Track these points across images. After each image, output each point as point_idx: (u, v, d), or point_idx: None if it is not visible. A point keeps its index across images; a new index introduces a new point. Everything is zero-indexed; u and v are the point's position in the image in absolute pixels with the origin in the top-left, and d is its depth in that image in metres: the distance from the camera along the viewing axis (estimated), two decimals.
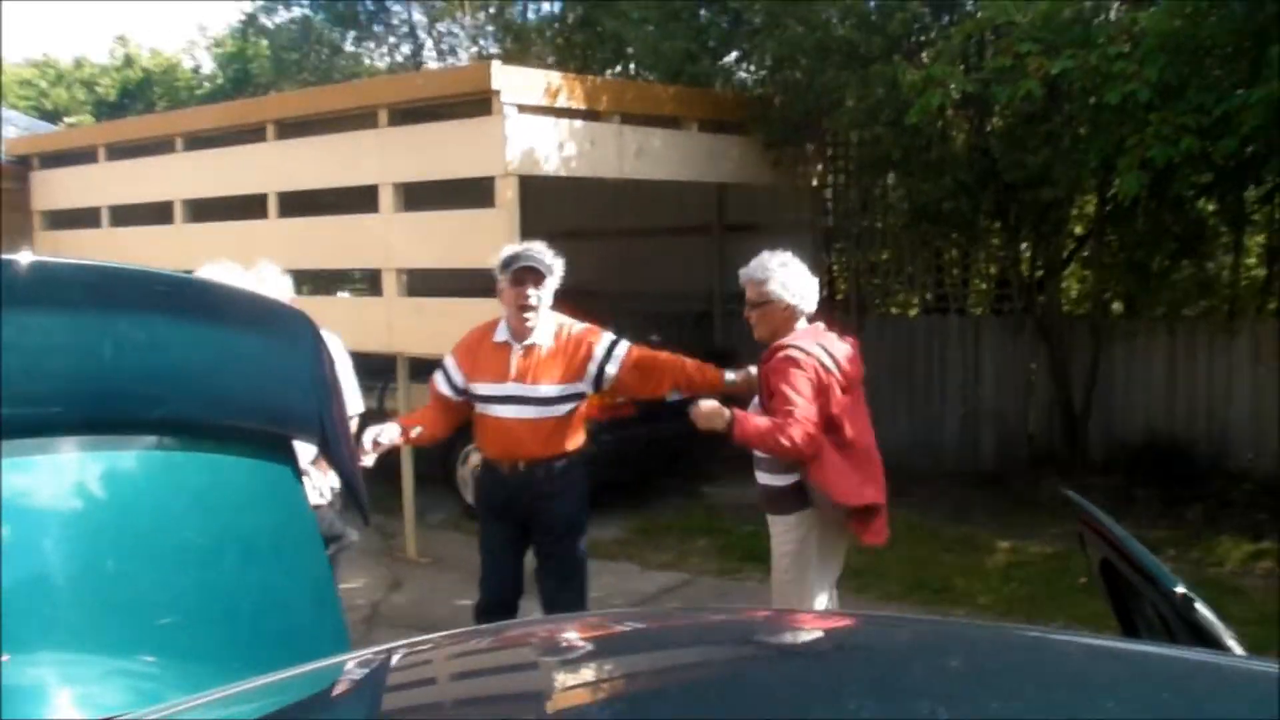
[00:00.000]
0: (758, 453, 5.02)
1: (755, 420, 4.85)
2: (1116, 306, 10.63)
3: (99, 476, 2.31)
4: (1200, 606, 1.98)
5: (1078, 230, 10.82)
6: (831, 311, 11.64)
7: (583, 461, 5.44)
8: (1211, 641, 1.94)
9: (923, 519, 9.40)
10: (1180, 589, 2.01)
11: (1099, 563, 2.51)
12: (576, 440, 5.41)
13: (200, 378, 2.43)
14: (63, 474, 2.26)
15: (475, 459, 9.84)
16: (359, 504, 3.14)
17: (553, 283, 5.21)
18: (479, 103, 8.03)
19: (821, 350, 4.91)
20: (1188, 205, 9.52)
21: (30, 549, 2.19)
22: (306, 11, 20.77)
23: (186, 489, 2.43)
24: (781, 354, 4.88)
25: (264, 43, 21.94)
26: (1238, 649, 1.91)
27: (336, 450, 2.74)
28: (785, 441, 4.73)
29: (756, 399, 5.13)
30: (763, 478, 5.09)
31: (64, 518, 2.26)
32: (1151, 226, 9.73)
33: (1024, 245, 10.32)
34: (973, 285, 11.71)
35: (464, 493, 9.92)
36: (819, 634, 1.84)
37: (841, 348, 5.01)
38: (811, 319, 5.12)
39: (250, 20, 21.86)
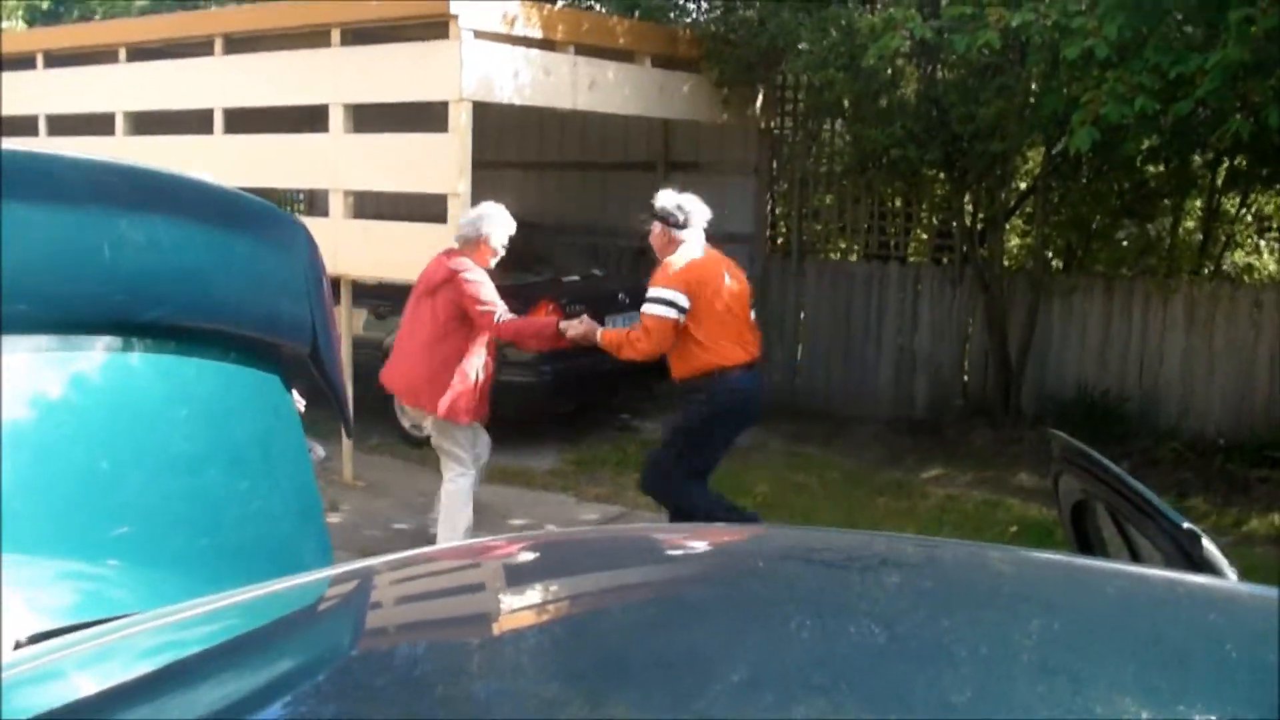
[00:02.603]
0: None
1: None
2: (1056, 262, 10.74)
3: (88, 377, 2.28)
4: (1207, 542, 2.00)
5: (1022, 185, 10.91)
6: (771, 254, 11.73)
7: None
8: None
9: (857, 463, 9.52)
10: (1187, 524, 2.04)
11: (1071, 506, 2.55)
12: None
13: (195, 280, 2.39)
14: (50, 374, 2.23)
15: None
16: (343, 415, 3.13)
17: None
18: (435, 26, 7.94)
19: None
20: (1133, 166, 9.62)
21: (22, 449, 2.18)
22: None
23: (174, 392, 2.40)
24: None
25: None
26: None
27: (328, 359, 2.71)
28: None
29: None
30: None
31: (53, 418, 2.24)
32: (1096, 185, 9.83)
33: (967, 196, 10.38)
34: (914, 234, 11.78)
35: (400, 419, 9.91)
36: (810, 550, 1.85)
37: None
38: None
39: None
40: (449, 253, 6.75)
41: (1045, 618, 1.49)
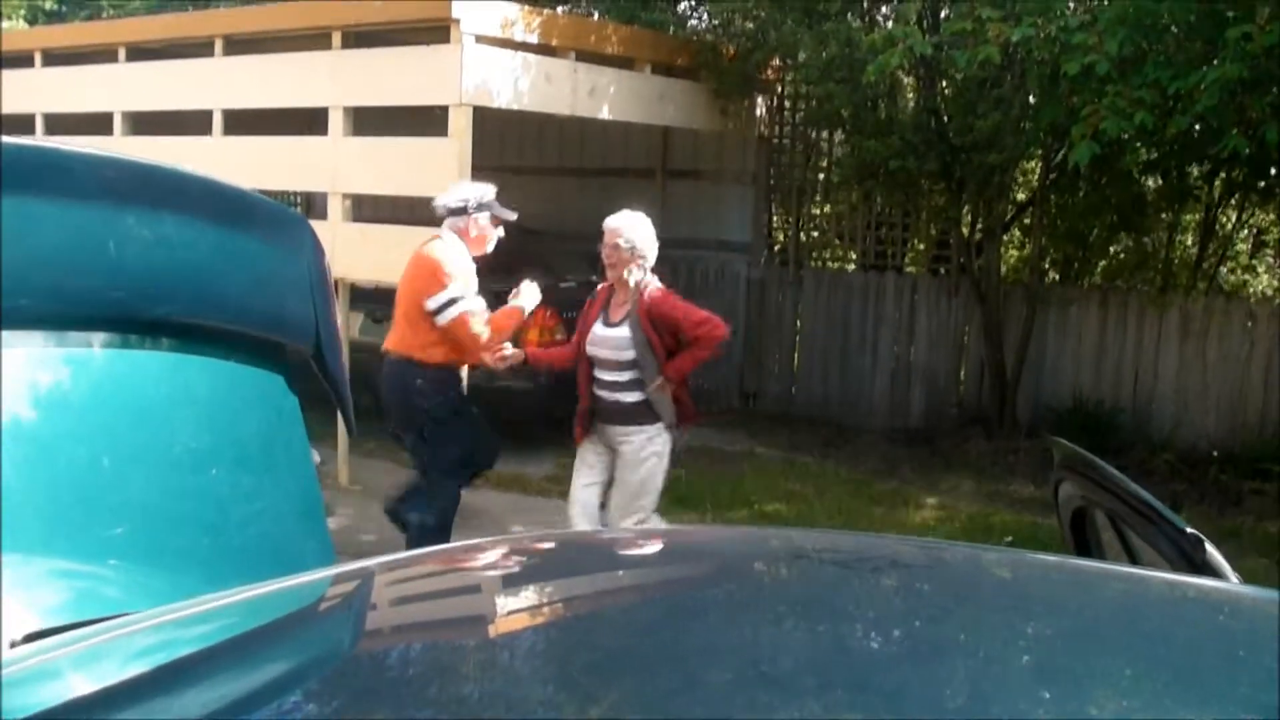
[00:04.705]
0: (610, 376, 6.09)
1: (682, 359, 6.02)
2: (1052, 274, 10.76)
3: (90, 373, 2.28)
4: (1209, 547, 2.01)
5: (1020, 197, 10.92)
6: (768, 262, 11.73)
7: None
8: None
9: (852, 472, 9.51)
10: (1190, 529, 2.05)
11: (1071, 513, 2.55)
12: None
13: (200, 277, 2.39)
14: (52, 370, 2.23)
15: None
16: (345, 415, 3.12)
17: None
18: (436, 30, 7.95)
19: None
20: (1131, 179, 9.63)
21: (21, 446, 2.17)
22: None
23: (178, 390, 2.40)
24: (658, 290, 6.17)
25: None
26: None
27: (331, 359, 2.71)
28: (720, 334, 6.02)
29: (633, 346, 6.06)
30: (622, 396, 6.08)
31: (54, 415, 2.23)
32: (1093, 198, 9.84)
33: (965, 208, 10.39)
34: (912, 245, 11.79)
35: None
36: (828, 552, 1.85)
37: None
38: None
39: None
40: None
41: (1053, 619, 1.50)
